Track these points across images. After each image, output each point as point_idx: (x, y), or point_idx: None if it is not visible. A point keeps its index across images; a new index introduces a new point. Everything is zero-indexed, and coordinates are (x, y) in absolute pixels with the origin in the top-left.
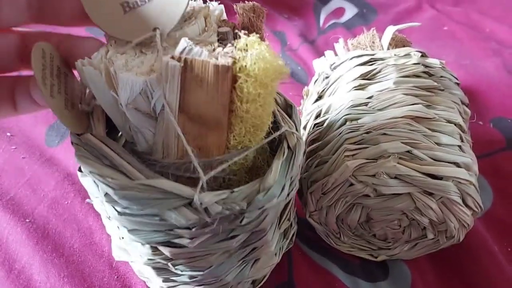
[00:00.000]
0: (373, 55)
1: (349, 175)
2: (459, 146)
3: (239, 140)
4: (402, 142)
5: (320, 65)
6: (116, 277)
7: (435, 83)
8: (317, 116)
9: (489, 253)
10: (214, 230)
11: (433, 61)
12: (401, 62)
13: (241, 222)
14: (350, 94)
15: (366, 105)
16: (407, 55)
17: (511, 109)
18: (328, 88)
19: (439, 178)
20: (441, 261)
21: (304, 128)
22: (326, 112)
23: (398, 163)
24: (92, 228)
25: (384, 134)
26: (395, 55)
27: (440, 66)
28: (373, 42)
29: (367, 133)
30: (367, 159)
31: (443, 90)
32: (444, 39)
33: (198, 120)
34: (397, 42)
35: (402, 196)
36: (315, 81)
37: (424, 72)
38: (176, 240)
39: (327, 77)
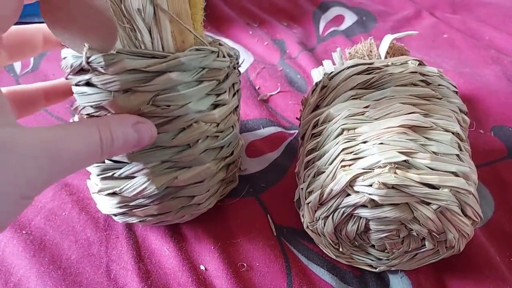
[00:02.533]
0: (370, 64)
1: (345, 185)
2: (457, 155)
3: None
4: (399, 152)
5: (318, 74)
6: None
7: (433, 92)
8: (314, 126)
9: (490, 264)
10: None
11: (430, 69)
12: (398, 71)
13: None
14: (347, 103)
15: (363, 114)
16: (405, 63)
17: None
18: (325, 98)
19: (437, 187)
20: (442, 272)
21: (302, 138)
22: (324, 122)
23: (394, 172)
24: (90, 240)
25: (381, 143)
26: (392, 64)
27: (438, 75)
28: (370, 51)
29: (363, 142)
30: (363, 169)
31: (440, 98)
32: (443, 47)
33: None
34: (394, 51)
35: (399, 206)
36: (313, 90)
37: (422, 80)
38: None
39: (324, 87)
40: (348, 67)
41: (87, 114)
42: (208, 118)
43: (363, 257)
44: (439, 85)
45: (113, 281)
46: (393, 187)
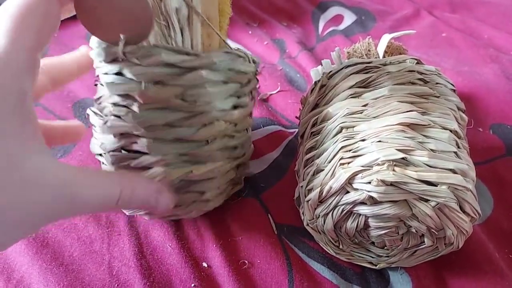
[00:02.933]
0: (368, 63)
1: (344, 183)
2: (455, 153)
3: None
4: (397, 149)
5: (317, 73)
6: (116, 285)
7: (430, 90)
8: (314, 124)
9: (489, 260)
10: None
11: (428, 68)
12: (396, 70)
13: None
14: (346, 102)
15: (362, 112)
16: (402, 62)
17: (510, 116)
18: (324, 97)
19: (435, 184)
20: (441, 268)
21: (302, 136)
22: (323, 121)
23: (393, 170)
24: (92, 237)
25: (379, 141)
26: (390, 62)
27: (436, 73)
28: (369, 50)
29: (362, 140)
30: (362, 166)
31: (438, 96)
32: (442, 46)
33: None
34: (393, 50)
35: (398, 203)
36: (312, 89)
37: (419, 79)
38: None
39: (323, 86)
40: (347, 66)
41: (112, 103)
42: (228, 117)
43: (363, 254)
44: (437, 83)
45: (115, 278)
46: (391, 184)
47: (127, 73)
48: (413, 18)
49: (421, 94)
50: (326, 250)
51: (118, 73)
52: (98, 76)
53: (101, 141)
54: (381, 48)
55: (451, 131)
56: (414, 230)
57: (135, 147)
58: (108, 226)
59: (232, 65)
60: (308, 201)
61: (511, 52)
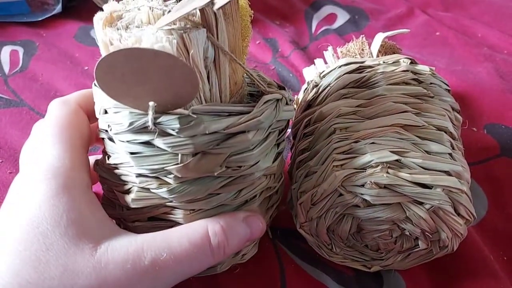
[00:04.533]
0: (362, 63)
1: (337, 185)
2: (450, 154)
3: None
4: (391, 151)
5: (310, 73)
6: None
7: (425, 90)
8: (306, 125)
9: (484, 263)
10: None
11: (422, 67)
12: (390, 70)
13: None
14: (339, 102)
15: (355, 113)
16: (396, 62)
17: (505, 115)
18: (317, 97)
19: (429, 187)
20: (436, 271)
21: (294, 137)
22: (315, 121)
23: (387, 172)
24: None
25: (373, 143)
26: (383, 62)
27: (430, 73)
28: (362, 50)
29: (355, 142)
30: (355, 168)
31: (432, 97)
32: (436, 45)
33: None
34: (386, 49)
35: (392, 206)
36: (305, 89)
37: (413, 79)
38: None
39: (316, 86)
40: (340, 66)
41: (138, 174)
42: (269, 171)
43: (357, 257)
44: (431, 83)
45: None
46: (385, 186)
47: (160, 144)
48: (407, 17)
49: (415, 95)
50: (320, 253)
51: (147, 143)
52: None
53: (119, 213)
54: (375, 47)
55: (445, 132)
56: (408, 233)
57: (168, 217)
58: None
59: (278, 115)
60: (300, 203)
61: (504, 51)
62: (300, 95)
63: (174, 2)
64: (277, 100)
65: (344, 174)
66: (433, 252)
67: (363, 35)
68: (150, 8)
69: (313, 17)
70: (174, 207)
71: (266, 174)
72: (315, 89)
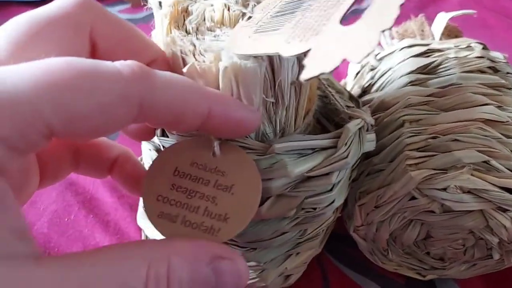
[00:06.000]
0: (428, 45)
1: (412, 187)
2: None
3: None
4: (478, 150)
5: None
6: None
7: (503, 81)
8: None
9: None
10: None
11: (496, 54)
12: (463, 55)
13: None
14: (405, 90)
15: (427, 104)
16: (469, 47)
17: None
18: (375, 82)
19: None
20: (494, 280)
21: None
22: (376, 111)
23: (472, 175)
24: (100, 245)
25: (455, 140)
26: (455, 46)
27: (505, 61)
28: (422, 31)
29: (433, 138)
30: (434, 169)
31: (510, 88)
32: (475, 28)
33: None
34: (449, 32)
35: (473, 213)
36: (357, 73)
37: (489, 67)
38: None
39: (372, 69)
40: (402, 48)
41: None
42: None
43: (414, 265)
44: (508, 73)
45: None
46: (469, 191)
47: None
48: None
49: (493, 85)
50: (372, 259)
51: None
52: None
53: None
54: (438, 28)
55: None
56: (483, 243)
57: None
58: (117, 232)
59: (361, 151)
60: (360, 205)
61: None
62: (349, 79)
63: (254, 5)
64: (360, 129)
65: (422, 175)
66: (504, 263)
67: (423, 14)
68: (225, 6)
69: None
70: (234, 245)
71: (333, 210)
72: (370, 73)
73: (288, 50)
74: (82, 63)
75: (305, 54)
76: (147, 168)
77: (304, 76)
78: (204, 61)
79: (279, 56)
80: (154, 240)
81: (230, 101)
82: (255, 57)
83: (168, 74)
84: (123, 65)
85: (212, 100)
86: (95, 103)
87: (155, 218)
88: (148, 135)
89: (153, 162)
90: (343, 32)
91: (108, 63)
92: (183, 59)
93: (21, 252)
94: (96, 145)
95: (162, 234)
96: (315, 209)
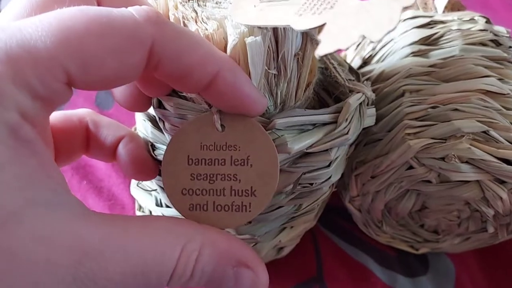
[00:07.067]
0: (432, 16)
1: (411, 156)
2: None
3: None
4: (478, 121)
5: None
6: None
7: (505, 54)
8: None
9: None
10: None
11: (499, 28)
12: (466, 27)
13: None
14: (407, 60)
15: (429, 74)
16: (472, 19)
17: None
18: (376, 53)
19: None
20: (487, 255)
21: None
22: (376, 81)
23: (471, 145)
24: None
25: (455, 109)
26: (458, 18)
27: (508, 35)
28: (425, 4)
29: (433, 107)
30: (433, 138)
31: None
32: (475, 8)
33: None
34: (452, 6)
35: (469, 184)
36: (358, 44)
37: (492, 40)
38: None
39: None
40: (405, 19)
41: None
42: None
43: (407, 238)
44: (510, 47)
45: None
46: (467, 161)
47: None
48: None
49: (495, 58)
50: (365, 231)
51: None
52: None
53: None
54: (441, 2)
55: None
56: (478, 215)
57: None
58: (110, 198)
59: (361, 126)
60: (357, 175)
61: None
62: (349, 51)
63: None
64: (361, 104)
65: (421, 144)
66: (497, 237)
67: None
68: None
69: None
70: None
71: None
72: (372, 44)
73: (300, 23)
74: (95, 10)
75: (319, 29)
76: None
77: (320, 52)
78: (206, 29)
79: (285, 27)
80: (194, 223)
81: (241, 73)
82: (260, 27)
83: (182, 26)
84: (138, 9)
85: (222, 63)
86: (107, 44)
87: (187, 212)
88: (143, 106)
89: (164, 158)
90: (362, 7)
91: (122, 9)
92: (185, 26)
93: (68, 204)
94: (104, 126)
95: None
96: (312, 184)
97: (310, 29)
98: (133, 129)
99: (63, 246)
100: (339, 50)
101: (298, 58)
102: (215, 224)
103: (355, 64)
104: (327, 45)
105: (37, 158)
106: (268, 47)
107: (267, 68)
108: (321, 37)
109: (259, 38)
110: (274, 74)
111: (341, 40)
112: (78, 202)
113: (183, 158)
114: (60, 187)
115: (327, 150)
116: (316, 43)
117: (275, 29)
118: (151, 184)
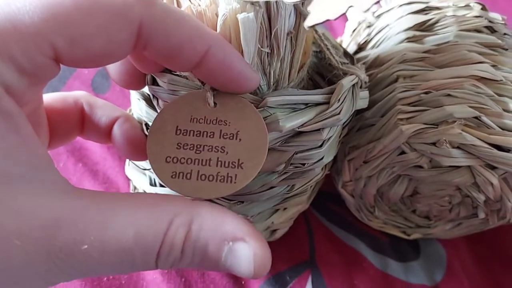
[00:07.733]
0: (427, 2)
1: (402, 141)
2: None
3: None
4: (470, 106)
5: (355, 12)
6: None
7: (499, 41)
8: None
9: None
10: None
11: (494, 15)
12: (461, 14)
13: None
14: (401, 46)
15: (422, 60)
16: (467, 6)
17: None
18: (371, 39)
19: (505, 150)
20: (478, 241)
21: None
22: (370, 67)
23: (462, 130)
24: None
25: (448, 95)
26: (453, 5)
27: (503, 22)
28: None
29: (425, 93)
30: (425, 123)
31: (507, 49)
32: None
33: None
34: None
35: (461, 169)
36: (354, 30)
37: (486, 27)
38: None
39: (369, 26)
40: (401, 5)
41: None
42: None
43: (399, 223)
44: (505, 34)
45: None
46: (458, 147)
47: None
48: None
49: (489, 45)
50: (358, 217)
51: None
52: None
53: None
54: None
55: None
56: (469, 201)
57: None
58: (105, 181)
59: (354, 108)
60: (350, 160)
61: None
62: (345, 36)
63: None
64: (354, 85)
65: (413, 129)
66: (488, 223)
67: None
68: None
69: None
70: (225, 199)
71: (321, 166)
72: (367, 30)
73: None
74: None
75: (307, 1)
76: (135, 116)
77: (309, 22)
78: (199, 5)
79: (277, 4)
80: (185, 199)
81: (232, 50)
82: (252, 3)
83: (170, 5)
84: None
85: (212, 41)
86: (95, 21)
87: (168, 179)
88: (138, 84)
89: (151, 126)
90: None
91: None
92: (178, 1)
93: (47, 180)
94: (99, 107)
95: (181, 193)
96: (304, 164)
97: (299, 1)
98: (128, 111)
99: (36, 219)
100: (332, 29)
101: (291, 37)
102: (197, 193)
103: (351, 49)
104: (316, 16)
105: (17, 131)
106: (261, 24)
107: (260, 46)
108: (310, 7)
109: (251, 14)
110: (267, 53)
111: (330, 10)
112: (61, 178)
113: (172, 128)
114: (42, 163)
115: (319, 129)
116: None
117: (267, 6)
118: (145, 163)
